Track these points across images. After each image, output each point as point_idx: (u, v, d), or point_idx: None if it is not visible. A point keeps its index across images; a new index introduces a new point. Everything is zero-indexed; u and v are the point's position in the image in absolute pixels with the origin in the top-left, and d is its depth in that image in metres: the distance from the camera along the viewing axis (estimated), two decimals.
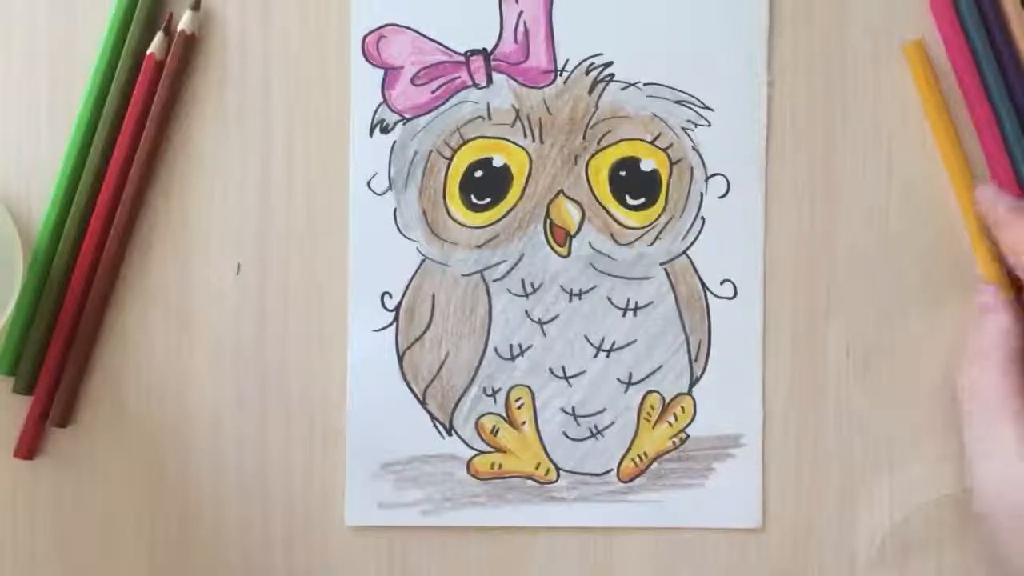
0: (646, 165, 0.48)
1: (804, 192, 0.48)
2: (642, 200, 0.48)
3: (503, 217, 0.48)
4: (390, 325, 0.48)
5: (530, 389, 0.48)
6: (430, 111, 0.48)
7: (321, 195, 0.47)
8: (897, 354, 0.48)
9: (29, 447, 0.47)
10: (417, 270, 0.48)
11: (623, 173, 0.48)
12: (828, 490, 0.48)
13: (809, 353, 0.48)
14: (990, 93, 0.47)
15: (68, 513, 0.47)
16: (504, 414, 0.48)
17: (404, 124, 0.47)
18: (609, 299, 0.48)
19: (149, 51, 0.47)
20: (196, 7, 0.47)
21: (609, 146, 0.48)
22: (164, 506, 0.47)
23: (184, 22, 0.47)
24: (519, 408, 0.48)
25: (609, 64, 0.47)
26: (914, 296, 0.48)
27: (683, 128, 0.48)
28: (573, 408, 0.48)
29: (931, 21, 0.48)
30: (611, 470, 0.48)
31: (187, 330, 0.48)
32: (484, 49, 0.47)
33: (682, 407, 0.48)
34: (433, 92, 0.48)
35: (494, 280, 0.48)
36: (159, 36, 0.47)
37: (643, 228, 0.48)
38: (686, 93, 0.47)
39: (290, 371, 0.47)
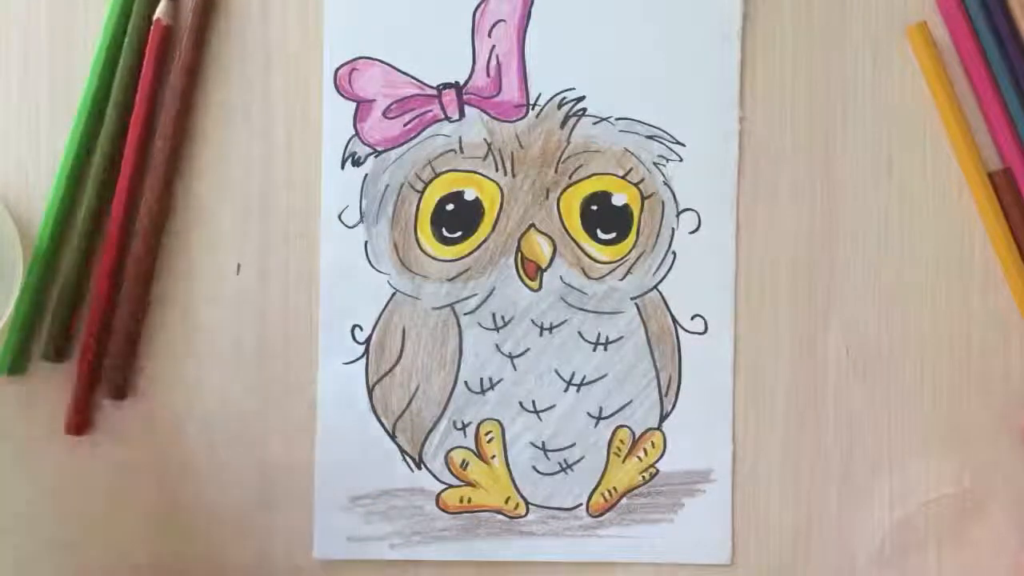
0: (618, 200, 0.48)
1: (804, 193, 0.48)
2: (613, 235, 0.48)
3: (474, 251, 0.48)
4: (360, 358, 0.47)
5: (500, 423, 0.48)
6: (402, 144, 0.48)
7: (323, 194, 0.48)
8: (897, 354, 0.48)
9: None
10: (388, 303, 0.48)
11: (595, 207, 0.48)
12: (827, 491, 0.48)
13: (809, 354, 0.48)
14: (994, 74, 0.47)
15: (68, 513, 0.47)
16: (474, 448, 0.48)
17: (376, 157, 0.47)
18: (580, 333, 0.48)
19: (148, 51, 0.47)
20: None
21: (581, 180, 0.48)
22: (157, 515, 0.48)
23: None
24: (489, 442, 0.48)
25: (581, 98, 0.47)
26: (914, 296, 0.48)
27: (655, 163, 0.48)
28: (543, 442, 0.48)
29: (932, 9, 0.48)
30: (580, 504, 0.48)
31: (187, 330, 0.47)
32: (456, 82, 0.47)
33: (652, 442, 0.48)
34: (405, 125, 0.48)
35: (465, 313, 0.48)
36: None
37: (614, 263, 0.48)
38: (658, 128, 0.47)
39: (291, 372, 0.48)
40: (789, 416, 0.48)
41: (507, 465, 0.48)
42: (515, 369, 0.48)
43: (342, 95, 0.47)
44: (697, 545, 0.47)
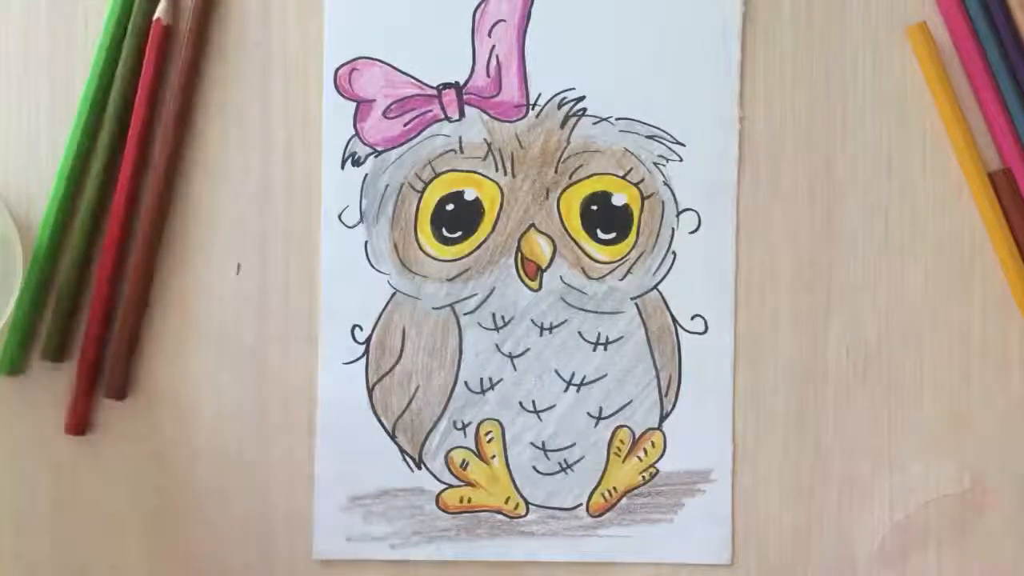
0: (618, 200, 0.48)
1: (804, 193, 0.48)
2: (613, 235, 0.48)
3: (474, 251, 0.48)
4: (360, 358, 0.47)
5: (500, 423, 0.48)
6: (402, 144, 0.48)
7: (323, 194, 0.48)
8: (897, 354, 0.48)
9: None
10: (388, 303, 0.48)
11: (595, 207, 0.48)
12: (827, 491, 0.48)
13: (809, 354, 0.48)
14: (994, 74, 0.47)
15: (67, 514, 0.47)
16: (474, 448, 0.48)
17: (376, 157, 0.47)
18: (580, 333, 0.48)
19: (148, 51, 0.47)
20: None
21: (581, 180, 0.48)
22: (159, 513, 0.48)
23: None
24: (489, 442, 0.48)
25: (581, 98, 0.48)
26: (914, 296, 0.48)
27: (655, 163, 0.48)
28: (543, 442, 0.48)
29: (932, 9, 0.48)
30: (580, 504, 0.48)
31: (186, 330, 0.47)
32: (456, 82, 0.47)
33: (652, 442, 0.48)
34: (405, 125, 0.48)
35: (465, 313, 0.48)
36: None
37: (614, 263, 0.48)
38: (658, 128, 0.48)
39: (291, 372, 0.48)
40: (789, 416, 0.48)
41: (507, 465, 0.48)
42: (515, 369, 0.48)
43: (342, 95, 0.48)
44: (697, 545, 0.47)
